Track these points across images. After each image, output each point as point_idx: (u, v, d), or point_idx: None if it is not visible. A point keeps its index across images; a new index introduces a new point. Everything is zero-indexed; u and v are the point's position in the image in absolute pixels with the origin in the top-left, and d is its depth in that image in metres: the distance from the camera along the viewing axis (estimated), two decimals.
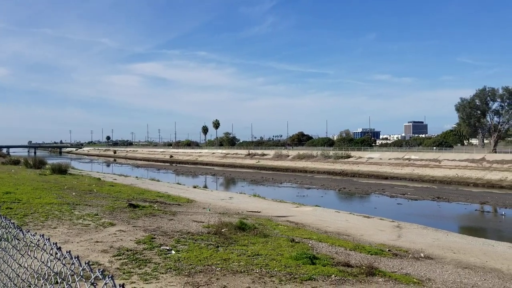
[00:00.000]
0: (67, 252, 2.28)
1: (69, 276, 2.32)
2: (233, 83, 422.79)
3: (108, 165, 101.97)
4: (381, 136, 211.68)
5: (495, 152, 64.24)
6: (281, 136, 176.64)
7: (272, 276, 8.84)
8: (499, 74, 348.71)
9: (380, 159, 69.78)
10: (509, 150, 69.21)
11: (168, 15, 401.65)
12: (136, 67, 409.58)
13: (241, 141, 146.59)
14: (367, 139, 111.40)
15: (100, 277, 1.52)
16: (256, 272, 9.06)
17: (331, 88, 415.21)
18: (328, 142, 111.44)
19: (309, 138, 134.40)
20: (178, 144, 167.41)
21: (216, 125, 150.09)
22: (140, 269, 8.74)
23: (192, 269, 8.92)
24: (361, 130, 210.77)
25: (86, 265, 1.78)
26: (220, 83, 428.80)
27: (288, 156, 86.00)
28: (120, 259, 9.43)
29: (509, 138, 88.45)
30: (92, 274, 1.78)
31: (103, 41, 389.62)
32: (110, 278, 1.60)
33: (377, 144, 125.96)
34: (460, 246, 15.86)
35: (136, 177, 48.25)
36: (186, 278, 8.29)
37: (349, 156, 75.31)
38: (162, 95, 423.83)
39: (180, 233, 12.96)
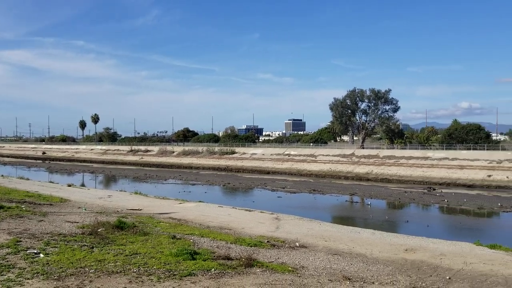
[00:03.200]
0: None
1: None
2: (115, 75, 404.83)
3: None
4: (264, 133, 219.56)
5: (363, 148, 70.76)
6: (166, 132, 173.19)
7: (150, 275, 8.68)
8: (368, 76, 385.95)
9: (263, 154, 72.43)
10: (374, 146, 77.00)
11: (42, 0, 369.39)
12: (1, 55, 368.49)
13: (123, 136, 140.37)
14: (251, 136, 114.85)
15: None
16: (133, 272, 8.82)
17: (216, 85, 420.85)
18: (213, 138, 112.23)
19: (194, 134, 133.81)
20: (52, 140, 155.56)
21: (95, 119, 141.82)
22: (2, 275, 8.03)
23: (63, 273, 8.38)
24: (245, 126, 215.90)
25: None
26: (100, 75, 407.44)
27: (173, 152, 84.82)
28: None
29: (374, 135, 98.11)
30: None
31: None
32: None
33: (260, 140, 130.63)
34: (331, 234, 17.17)
35: (2, 175, 43.59)
36: (55, 283, 7.76)
37: (234, 152, 76.85)
38: (33, 86, 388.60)
39: (50, 235, 12.07)
